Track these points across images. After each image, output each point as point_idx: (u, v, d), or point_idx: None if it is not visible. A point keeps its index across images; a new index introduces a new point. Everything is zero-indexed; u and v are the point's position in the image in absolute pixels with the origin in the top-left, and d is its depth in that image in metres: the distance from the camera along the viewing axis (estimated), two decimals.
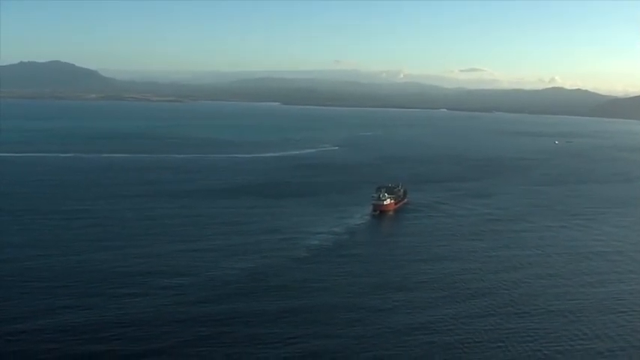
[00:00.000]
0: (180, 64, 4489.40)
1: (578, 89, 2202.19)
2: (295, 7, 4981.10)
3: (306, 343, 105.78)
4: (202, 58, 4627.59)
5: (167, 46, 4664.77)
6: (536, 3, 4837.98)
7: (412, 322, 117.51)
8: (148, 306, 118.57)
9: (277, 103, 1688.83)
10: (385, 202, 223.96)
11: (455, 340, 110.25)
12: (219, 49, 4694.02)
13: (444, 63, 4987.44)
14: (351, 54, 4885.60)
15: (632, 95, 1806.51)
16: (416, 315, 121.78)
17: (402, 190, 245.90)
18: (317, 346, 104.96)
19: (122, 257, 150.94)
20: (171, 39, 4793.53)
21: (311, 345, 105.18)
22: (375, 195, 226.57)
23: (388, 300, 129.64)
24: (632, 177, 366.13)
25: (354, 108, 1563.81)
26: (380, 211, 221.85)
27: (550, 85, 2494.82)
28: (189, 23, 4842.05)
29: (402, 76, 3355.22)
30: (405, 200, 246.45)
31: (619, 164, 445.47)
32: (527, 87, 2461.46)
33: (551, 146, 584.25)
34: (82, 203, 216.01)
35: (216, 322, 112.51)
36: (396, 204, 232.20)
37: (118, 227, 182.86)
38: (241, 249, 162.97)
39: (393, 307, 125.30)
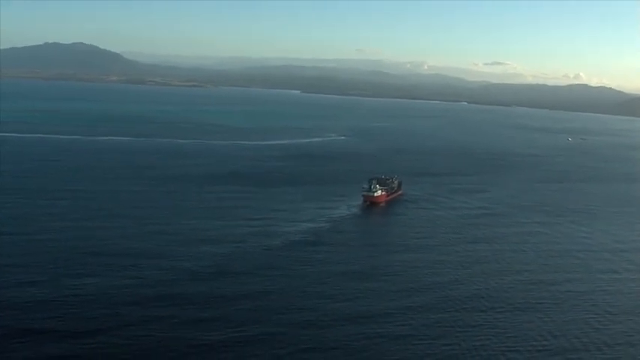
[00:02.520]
0: (204, 49, 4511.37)
1: (603, 86, 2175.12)
2: None
3: (249, 327, 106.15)
4: (226, 44, 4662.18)
5: (191, 31, 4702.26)
6: None
7: (366, 312, 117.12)
8: (104, 286, 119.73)
9: (297, 91, 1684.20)
10: (375, 194, 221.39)
11: (406, 333, 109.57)
12: (243, 35, 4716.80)
13: (468, 56, 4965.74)
14: (374, 43, 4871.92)
15: None
16: (373, 305, 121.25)
17: (396, 182, 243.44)
18: (260, 331, 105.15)
19: (93, 237, 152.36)
20: (196, 24, 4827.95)
21: (254, 329, 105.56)
22: (365, 186, 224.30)
23: (349, 289, 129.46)
24: (636, 177, 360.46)
25: (375, 98, 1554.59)
26: (370, 203, 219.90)
27: (574, 82, 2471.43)
28: (214, 9, 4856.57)
29: (425, 67, 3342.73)
30: (400, 192, 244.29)
31: (627, 163, 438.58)
32: (551, 82, 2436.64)
33: (562, 143, 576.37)
34: (70, 184, 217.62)
35: (168, 304, 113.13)
36: (388, 195, 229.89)
37: (97, 209, 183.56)
38: (216, 235, 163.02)
39: (351, 297, 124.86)
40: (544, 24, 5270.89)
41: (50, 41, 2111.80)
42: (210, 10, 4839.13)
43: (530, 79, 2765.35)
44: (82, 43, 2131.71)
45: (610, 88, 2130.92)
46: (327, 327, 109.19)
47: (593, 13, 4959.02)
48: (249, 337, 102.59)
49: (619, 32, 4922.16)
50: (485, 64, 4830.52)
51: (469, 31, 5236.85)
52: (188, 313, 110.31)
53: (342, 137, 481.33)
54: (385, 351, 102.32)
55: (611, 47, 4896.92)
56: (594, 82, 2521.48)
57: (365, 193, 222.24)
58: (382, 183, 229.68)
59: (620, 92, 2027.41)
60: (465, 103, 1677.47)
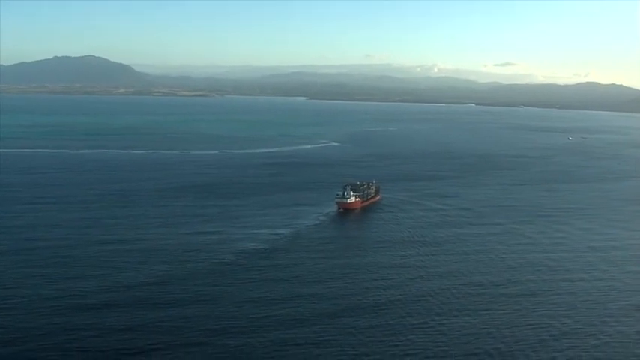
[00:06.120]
0: (216, 59, 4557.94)
1: (613, 84, 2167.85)
2: (329, 3, 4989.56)
3: (176, 336, 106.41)
4: (238, 54, 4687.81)
5: (203, 42, 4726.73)
6: None
7: (300, 317, 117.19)
8: (35, 296, 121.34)
9: (304, 98, 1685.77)
10: (349, 200, 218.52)
11: (336, 338, 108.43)
12: (255, 44, 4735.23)
13: (479, 57, 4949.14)
14: (384, 48, 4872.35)
15: None
16: (308, 309, 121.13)
17: (373, 188, 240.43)
18: (186, 340, 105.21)
19: (40, 248, 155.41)
20: (207, 34, 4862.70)
21: (181, 338, 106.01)
22: (339, 193, 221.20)
23: (288, 294, 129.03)
24: (625, 176, 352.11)
25: (383, 103, 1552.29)
26: (344, 209, 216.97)
27: (585, 80, 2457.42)
28: (225, 19, 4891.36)
29: (436, 70, 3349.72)
30: (378, 197, 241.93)
31: (620, 162, 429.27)
32: (562, 82, 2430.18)
33: (561, 143, 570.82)
34: (35, 197, 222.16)
35: (97, 313, 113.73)
36: (363, 202, 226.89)
37: (56, 221, 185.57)
38: (170, 244, 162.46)
39: (290, 303, 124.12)
40: (554, 23, 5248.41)
41: (60, 55, 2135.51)
42: (223, 20, 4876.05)
43: (541, 79, 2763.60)
44: (92, 56, 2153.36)
45: (620, 85, 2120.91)
46: (255, 333, 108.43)
47: (603, 11, 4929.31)
48: (173, 345, 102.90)
49: (630, 28, 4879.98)
50: (496, 64, 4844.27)
51: (479, 32, 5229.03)
52: (115, 321, 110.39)
53: (335, 144, 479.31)
54: (311, 357, 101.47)
55: (622, 44, 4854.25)
56: (605, 79, 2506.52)
57: (338, 200, 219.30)
58: (357, 189, 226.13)
59: (631, 89, 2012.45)
60: (473, 104, 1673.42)
